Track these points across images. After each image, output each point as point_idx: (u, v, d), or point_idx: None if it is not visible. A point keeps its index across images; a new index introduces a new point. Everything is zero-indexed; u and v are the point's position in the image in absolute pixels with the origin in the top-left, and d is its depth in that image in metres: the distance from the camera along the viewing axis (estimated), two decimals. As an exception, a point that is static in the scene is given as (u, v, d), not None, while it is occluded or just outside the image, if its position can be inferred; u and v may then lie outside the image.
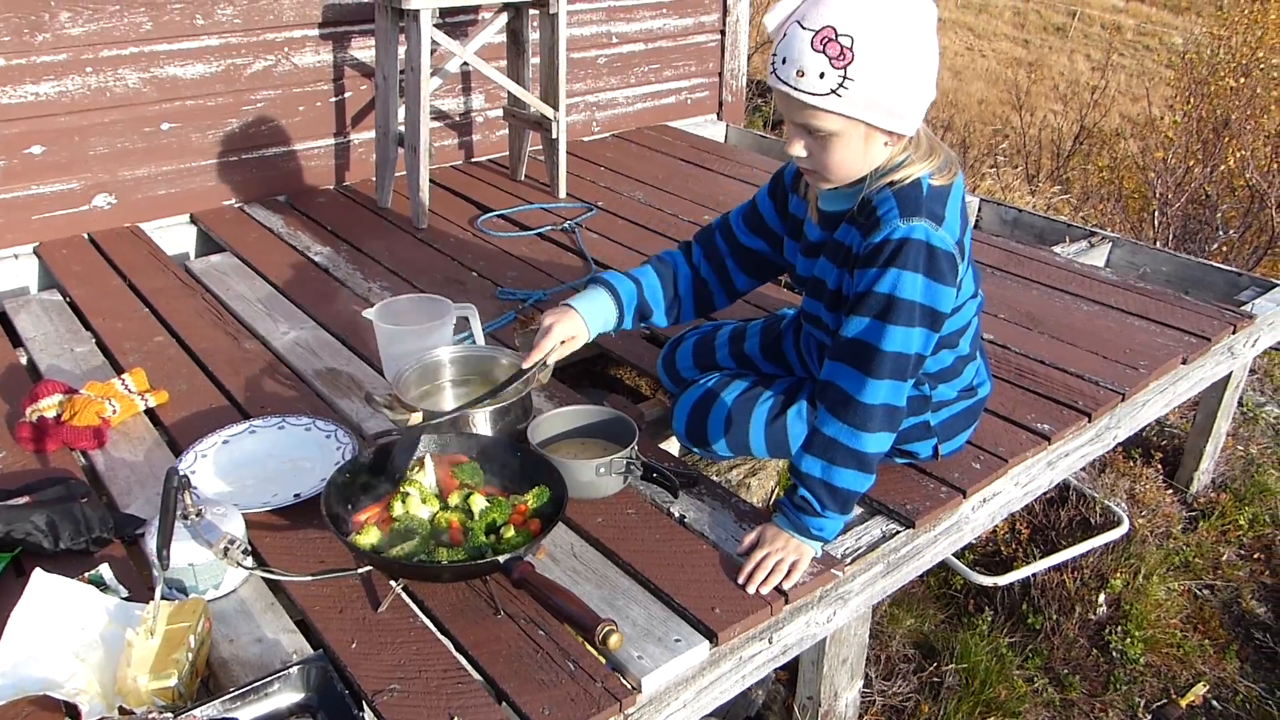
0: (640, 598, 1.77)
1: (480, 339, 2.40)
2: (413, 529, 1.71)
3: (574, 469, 1.91)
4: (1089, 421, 2.37)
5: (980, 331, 2.09)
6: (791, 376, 2.24)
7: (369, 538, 1.68)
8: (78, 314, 2.87)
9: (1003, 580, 2.82)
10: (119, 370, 2.50)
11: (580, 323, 2.01)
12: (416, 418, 2.05)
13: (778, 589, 1.79)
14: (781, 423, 2.12)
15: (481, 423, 2.05)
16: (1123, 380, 2.49)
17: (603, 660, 1.61)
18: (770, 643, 1.82)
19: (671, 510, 2.01)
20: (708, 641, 1.69)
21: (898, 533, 2.01)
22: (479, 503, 1.76)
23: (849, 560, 1.92)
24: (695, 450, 2.25)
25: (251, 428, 2.18)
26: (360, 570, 1.67)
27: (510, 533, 1.71)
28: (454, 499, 1.78)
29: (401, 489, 1.77)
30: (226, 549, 1.61)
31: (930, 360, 1.90)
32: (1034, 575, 2.93)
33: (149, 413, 2.34)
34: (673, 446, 2.46)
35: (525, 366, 1.94)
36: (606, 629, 1.45)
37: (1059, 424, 2.32)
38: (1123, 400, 2.44)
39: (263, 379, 2.49)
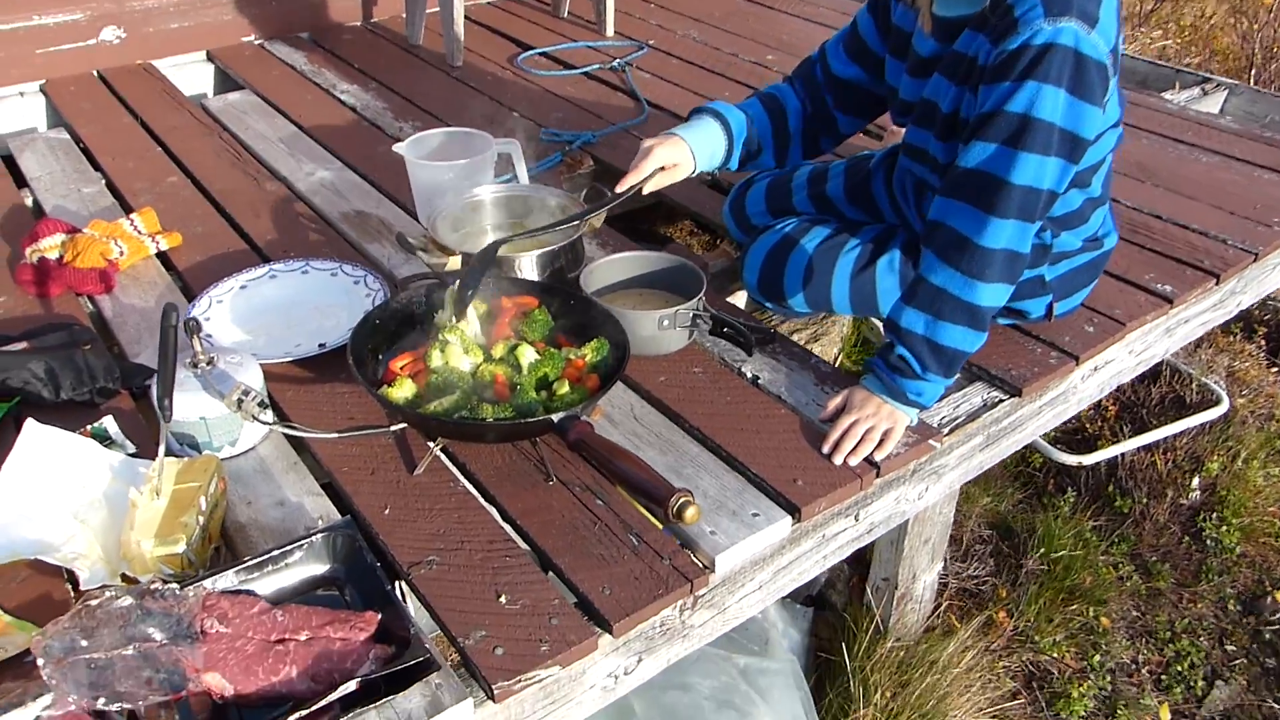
0: (711, 466, 1.55)
1: (524, 179, 2.13)
2: (452, 382, 1.48)
3: (634, 320, 1.67)
4: (1216, 284, 2.07)
5: (1113, 171, 1.78)
6: (880, 224, 1.95)
7: (403, 391, 1.46)
8: (86, 154, 2.63)
9: (1088, 459, 2.57)
10: (128, 211, 2.27)
11: (686, 151, 1.73)
12: (455, 262, 1.80)
13: (868, 460, 1.56)
14: (869, 275, 1.85)
15: (528, 268, 1.80)
16: (1254, 239, 2.18)
17: (672, 536, 1.40)
18: (856, 520, 1.60)
19: (743, 370, 1.77)
20: (789, 517, 1.47)
21: (1000, 401, 1.76)
22: (528, 355, 1.53)
23: (946, 430, 1.68)
24: (768, 305, 2.00)
25: (272, 272, 1.95)
26: (394, 428, 1.46)
27: (565, 389, 1.48)
28: (499, 350, 1.55)
29: (440, 337, 1.54)
30: (240, 400, 1.39)
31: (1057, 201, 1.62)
32: (1122, 455, 2.69)
33: (161, 256, 2.12)
34: (739, 302, 2.21)
35: (619, 190, 1.67)
36: (682, 500, 1.23)
37: (1182, 285, 2.03)
38: (1255, 260, 2.14)
39: (285, 222, 2.25)
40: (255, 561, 1.27)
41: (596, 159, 2.56)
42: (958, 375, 1.68)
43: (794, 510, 1.48)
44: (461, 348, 1.53)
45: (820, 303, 1.91)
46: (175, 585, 1.18)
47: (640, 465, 1.30)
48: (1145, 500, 2.65)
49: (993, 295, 1.52)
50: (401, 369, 1.53)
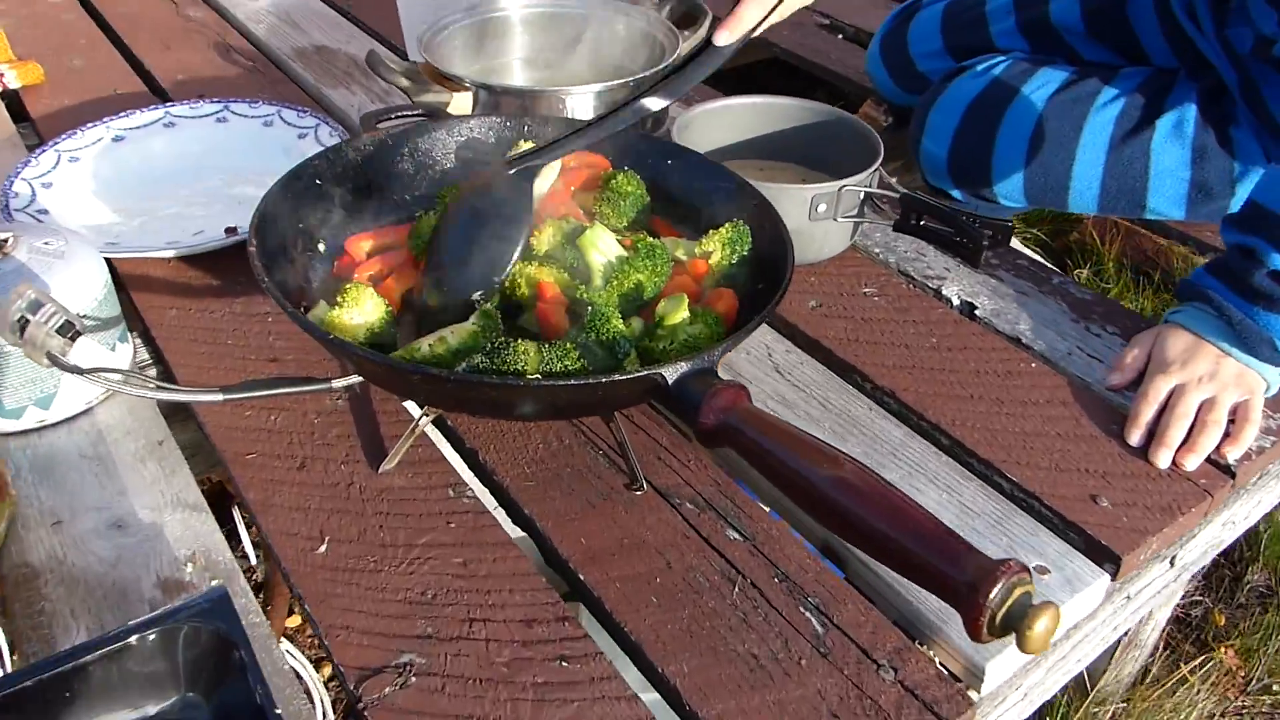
0: (932, 466, 0.84)
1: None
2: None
3: (776, 198, 0.93)
4: None
5: None
6: (1145, 67, 1.22)
7: (362, 313, 0.74)
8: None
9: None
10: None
11: None
12: (464, 101, 1.08)
13: (1213, 460, 0.85)
14: (1141, 144, 1.13)
15: (584, 106, 1.08)
16: None
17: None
18: (1171, 564, 0.89)
19: (944, 292, 1.05)
20: (1103, 572, 0.76)
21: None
22: (604, 246, 0.80)
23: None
24: (956, 191, 1.27)
25: (169, 118, 1.22)
26: (341, 383, 0.74)
27: (677, 315, 0.75)
28: (546, 237, 0.83)
29: (439, 210, 0.82)
30: (22, 321, 0.68)
31: None
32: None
33: (9, 97, 1.38)
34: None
35: (719, 43, 0.89)
36: (1017, 586, 0.50)
37: None
38: None
39: (212, 59, 1.51)
40: (30, 678, 0.56)
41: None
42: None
43: (1110, 558, 0.77)
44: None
45: (1050, 189, 1.18)
46: None
47: (895, 503, 0.56)
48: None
49: None
50: (360, 271, 0.81)
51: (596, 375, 0.67)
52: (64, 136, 1.16)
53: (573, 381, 0.65)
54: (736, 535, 0.77)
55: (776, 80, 2.10)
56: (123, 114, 1.20)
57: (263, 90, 1.39)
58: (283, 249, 0.79)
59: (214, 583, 0.71)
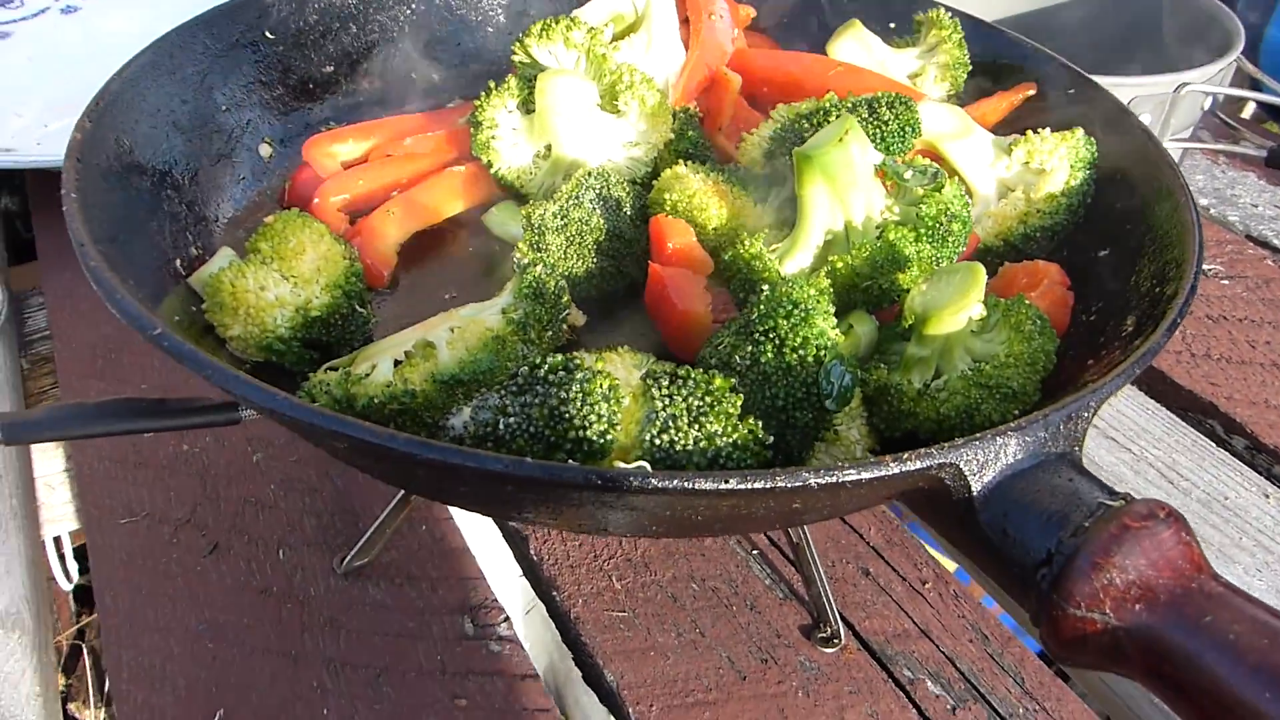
0: None
1: None
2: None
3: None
4: None
5: None
6: None
7: (291, 270, 0.36)
8: None
9: None
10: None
11: None
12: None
13: None
14: None
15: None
16: None
17: None
18: None
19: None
20: None
21: None
22: (846, 170, 0.38)
23: None
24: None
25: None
26: (255, 413, 0.36)
27: (957, 311, 0.34)
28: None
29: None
30: None
31: None
32: None
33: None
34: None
35: None
36: None
37: None
38: None
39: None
40: None
41: None
42: None
43: None
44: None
45: None
46: None
47: None
48: None
49: None
50: (326, 193, 0.44)
51: (794, 472, 0.26)
52: (-6, 3, 0.81)
53: (734, 485, 0.25)
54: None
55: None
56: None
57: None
58: (169, 154, 0.42)
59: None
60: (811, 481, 0.24)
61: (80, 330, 0.57)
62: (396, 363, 0.32)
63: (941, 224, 0.34)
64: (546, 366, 0.28)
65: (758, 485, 0.24)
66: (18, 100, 0.76)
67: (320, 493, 0.47)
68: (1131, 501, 0.24)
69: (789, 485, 0.24)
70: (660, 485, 0.24)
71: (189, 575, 0.44)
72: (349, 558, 0.44)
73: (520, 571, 0.47)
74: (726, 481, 0.24)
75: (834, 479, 0.24)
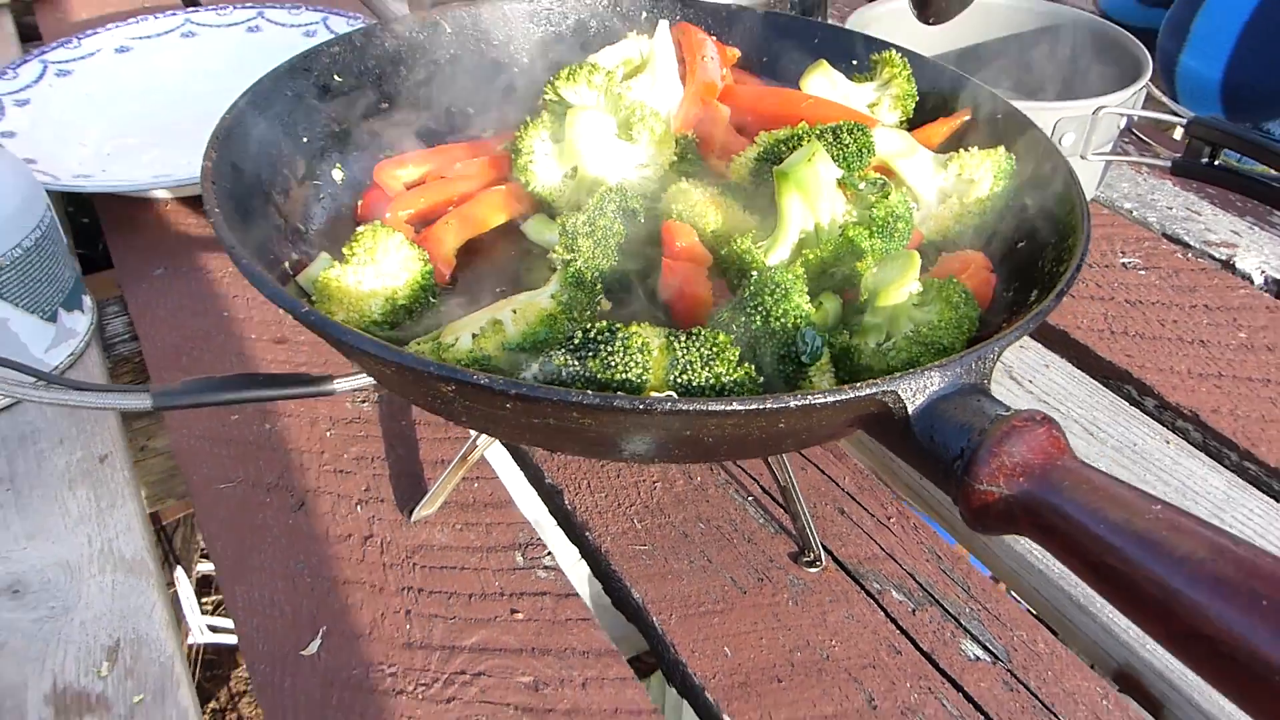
0: (1281, 543, 0.52)
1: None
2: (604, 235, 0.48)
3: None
4: None
5: None
6: None
7: (381, 272, 0.46)
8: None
9: None
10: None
11: None
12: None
13: None
14: None
15: None
16: None
17: None
18: None
19: (1243, 267, 0.72)
20: None
21: None
22: (812, 180, 0.48)
23: None
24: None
25: (187, 26, 0.96)
26: (350, 384, 0.46)
27: (899, 287, 0.44)
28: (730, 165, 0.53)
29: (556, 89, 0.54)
30: None
31: None
32: None
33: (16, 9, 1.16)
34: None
35: None
36: None
37: None
38: None
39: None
40: None
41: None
42: None
43: None
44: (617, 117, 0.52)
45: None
46: None
47: None
48: None
49: None
50: (395, 209, 0.53)
51: (779, 396, 0.36)
52: (55, 45, 0.91)
53: (735, 407, 0.35)
54: (980, 651, 0.47)
55: None
56: (133, 20, 0.95)
57: (313, -1, 1.13)
58: (270, 177, 0.52)
59: (136, 700, 0.44)
60: (791, 404, 0.34)
61: (163, 333, 0.66)
62: (473, 336, 0.42)
63: (890, 223, 0.44)
64: (595, 330, 0.38)
65: (753, 406, 0.34)
66: (81, 131, 0.85)
67: (387, 460, 0.56)
68: (1019, 411, 0.34)
69: (775, 406, 0.34)
70: (683, 408, 0.34)
71: (283, 526, 0.53)
72: (417, 508, 0.53)
73: (555, 522, 0.57)
74: (730, 404, 0.34)
75: (807, 401, 0.34)
